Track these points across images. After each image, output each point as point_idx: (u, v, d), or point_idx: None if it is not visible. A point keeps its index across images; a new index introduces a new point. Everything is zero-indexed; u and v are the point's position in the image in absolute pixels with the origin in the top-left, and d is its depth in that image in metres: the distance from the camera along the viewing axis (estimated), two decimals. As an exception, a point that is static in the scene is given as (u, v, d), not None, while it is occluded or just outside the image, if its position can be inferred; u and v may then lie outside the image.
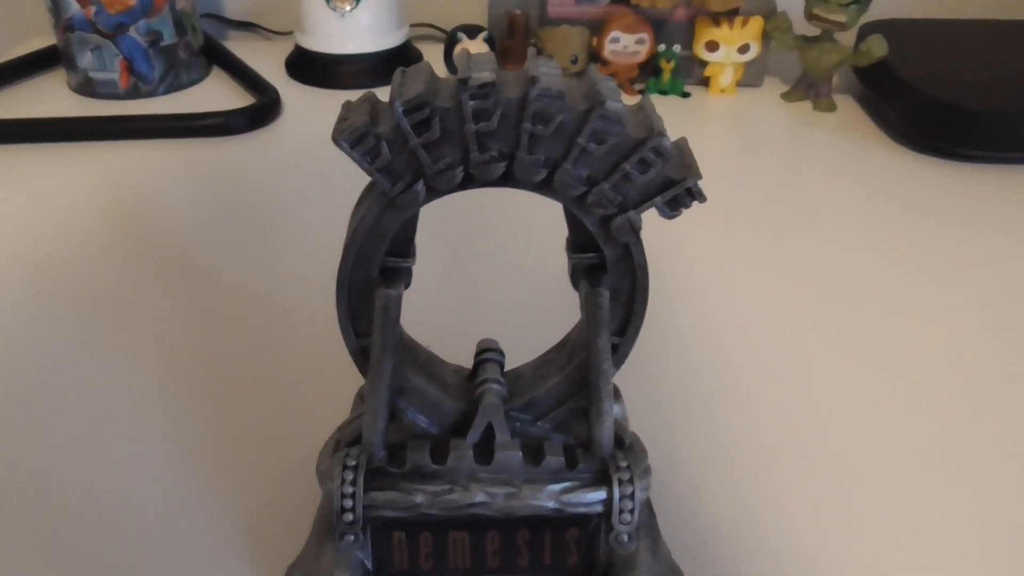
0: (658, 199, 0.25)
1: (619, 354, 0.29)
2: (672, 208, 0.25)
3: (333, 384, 0.38)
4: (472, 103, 0.23)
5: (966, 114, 0.61)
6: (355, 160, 0.24)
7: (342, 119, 0.24)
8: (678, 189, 0.25)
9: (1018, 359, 0.44)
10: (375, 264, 0.27)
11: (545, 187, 0.25)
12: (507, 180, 0.25)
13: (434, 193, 0.25)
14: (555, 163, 0.24)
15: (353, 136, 0.23)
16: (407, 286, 0.28)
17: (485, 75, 0.23)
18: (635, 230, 0.26)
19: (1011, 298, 0.49)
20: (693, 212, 0.56)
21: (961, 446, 0.38)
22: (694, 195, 0.25)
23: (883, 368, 0.43)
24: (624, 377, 0.38)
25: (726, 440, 0.39)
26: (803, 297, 0.49)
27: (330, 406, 0.36)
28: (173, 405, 0.40)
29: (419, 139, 0.24)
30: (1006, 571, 0.33)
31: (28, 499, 0.35)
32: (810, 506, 0.35)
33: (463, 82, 0.23)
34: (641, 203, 0.25)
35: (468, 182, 0.25)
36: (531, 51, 0.20)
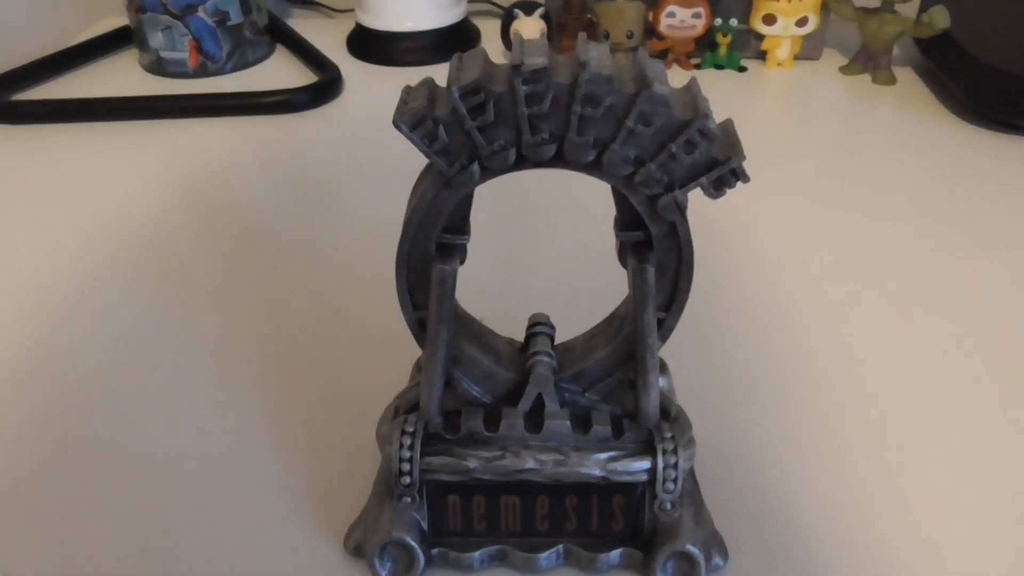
0: (703, 179, 0.26)
1: (665, 328, 0.30)
2: (717, 188, 0.26)
3: (393, 354, 0.40)
4: (524, 88, 0.24)
5: (1032, 86, 0.60)
6: (414, 142, 0.25)
7: (402, 103, 0.26)
8: (723, 169, 0.26)
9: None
10: (432, 241, 0.28)
11: (594, 168, 0.26)
12: (558, 161, 0.26)
13: (488, 173, 0.26)
14: (604, 144, 0.25)
15: (413, 119, 0.25)
16: (462, 262, 0.29)
17: (537, 60, 0.24)
18: (680, 209, 0.27)
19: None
20: (752, 187, 0.57)
21: (1017, 420, 0.39)
22: (738, 175, 0.26)
23: (941, 343, 0.43)
24: (672, 351, 0.39)
25: (772, 414, 0.39)
26: (861, 273, 0.49)
27: (390, 375, 0.38)
28: (243, 373, 0.42)
29: (474, 122, 0.25)
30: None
31: (108, 458, 0.38)
32: (853, 479, 0.36)
33: (516, 68, 0.24)
34: (687, 183, 0.26)
35: (521, 163, 0.26)
36: (581, 35, 0.20)
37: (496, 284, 0.48)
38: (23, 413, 0.40)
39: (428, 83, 0.26)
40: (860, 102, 0.69)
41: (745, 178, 0.26)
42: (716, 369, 0.42)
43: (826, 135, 0.64)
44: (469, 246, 0.29)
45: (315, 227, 0.54)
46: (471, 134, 0.25)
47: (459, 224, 0.28)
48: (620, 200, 0.28)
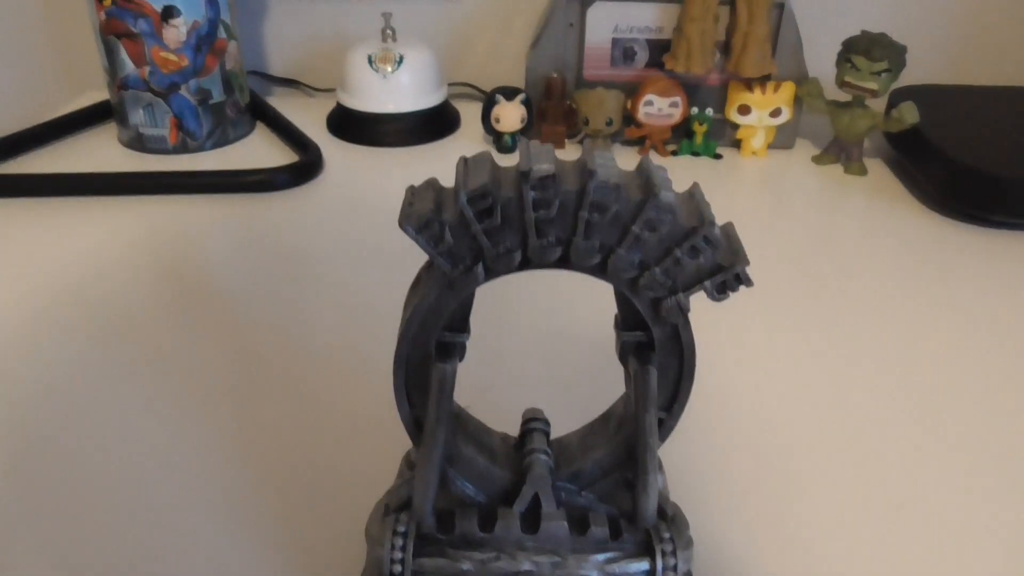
0: (707, 283, 0.26)
1: (665, 428, 0.30)
2: (720, 291, 0.26)
3: (377, 443, 0.39)
4: (532, 194, 0.24)
5: (998, 181, 0.62)
6: (420, 244, 0.25)
7: (407, 204, 0.26)
8: (727, 274, 0.26)
9: (1055, 432, 0.44)
10: (432, 340, 0.28)
11: (599, 271, 0.26)
12: (563, 263, 0.26)
13: (493, 274, 0.26)
14: (609, 248, 0.26)
15: (420, 223, 0.25)
16: (461, 359, 0.29)
17: (545, 167, 0.24)
18: (684, 312, 0.27)
19: (1046, 368, 0.49)
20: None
21: (995, 522, 0.39)
22: (742, 280, 0.26)
23: (918, 436, 0.43)
24: (664, 447, 0.39)
25: (765, 512, 0.39)
26: (835, 363, 0.49)
27: (373, 465, 0.37)
28: (220, 462, 0.41)
29: (481, 225, 0.25)
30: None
31: (75, 548, 0.36)
32: (848, 571, 0.36)
33: (524, 174, 0.24)
34: (690, 286, 0.26)
35: (526, 264, 0.26)
36: (587, 142, 0.21)
37: (488, 375, 0.48)
38: (-10, 505, 0.38)
39: (433, 185, 0.26)
40: (832, 191, 0.71)
41: (749, 283, 0.26)
42: (700, 463, 0.42)
43: (799, 222, 0.66)
44: (467, 343, 0.29)
45: (293, 307, 0.54)
46: (477, 237, 0.25)
47: (460, 323, 0.28)
48: (623, 301, 0.28)
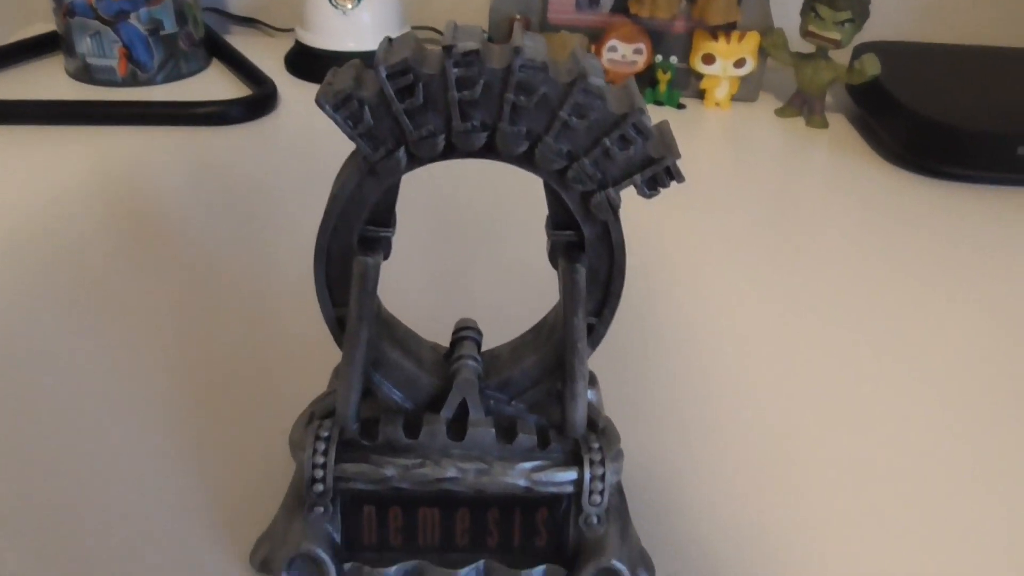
0: (637, 177, 0.25)
1: (595, 335, 0.29)
2: (650, 187, 0.25)
3: (313, 362, 0.38)
4: (456, 71, 0.23)
5: (957, 134, 0.62)
6: (337, 123, 0.24)
7: (327, 83, 0.25)
8: (657, 167, 0.25)
9: (1005, 372, 0.44)
10: (355, 233, 0.27)
11: (526, 160, 0.25)
12: (489, 151, 0.25)
13: (416, 161, 0.25)
14: (537, 136, 0.25)
15: (336, 99, 0.24)
16: (386, 256, 0.28)
17: (470, 44, 0.23)
18: (614, 208, 0.26)
19: (1000, 314, 0.49)
20: (687, 221, 0.57)
21: (949, 454, 0.39)
22: (673, 175, 0.25)
23: (867, 378, 0.43)
24: (603, 367, 0.38)
25: (702, 433, 0.39)
26: (792, 308, 0.49)
27: (308, 383, 0.36)
28: (155, 379, 0.40)
29: (402, 105, 0.24)
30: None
31: (6, 465, 0.35)
32: (783, 499, 0.36)
33: (447, 49, 0.23)
34: (620, 180, 0.25)
35: (450, 151, 0.25)
36: (517, 23, 0.20)
37: (422, 287, 0.47)
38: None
39: (355, 65, 0.25)
40: (794, 144, 0.70)
41: (680, 178, 0.25)
42: (645, 388, 0.42)
43: (760, 174, 0.65)
44: (394, 241, 0.28)
45: (242, 237, 0.52)
46: (398, 118, 0.24)
47: (384, 216, 0.27)
48: (553, 198, 0.27)
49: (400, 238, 0.29)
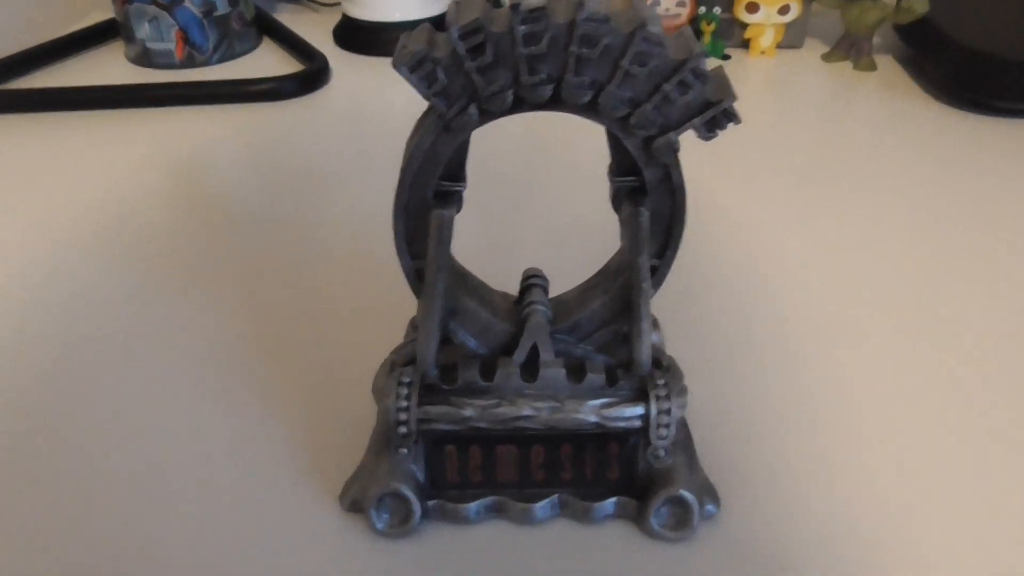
0: (696, 120, 0.26)
1: (658, 276, 0.31)
2: (709, 129, 0.27)
3: (386, 323, 0.40)
4: (523, 28, 0.25)
5: (1010, 66, 0.61)
6: (413, 84, 0.26)
7: (402, 47, 0.26)
8: (716, 110, 0.26)
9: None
10: (430, 187, 0.29)
11: (591, 109, 0.27)
12: (555, 103, 0.26)
13: (487, 116, 0.27)
14: (600, 85, 0.26)
15: (412, 61, 0.25)
16: (459, 210, 0.30)
17: (535, 1, 0.25)
18: (674, 151, 0.27)
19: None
20: (739, 171, 0.57)
21: (989, 397, 0.39)
22: (730, 116, 0.26)
23: (921, 314, 0.44)
24: (667, 312, 0.40)
25: (763, 370, 0.40)
26: (845, 250, 0.49)
27: (384, 341, 0.38)
28: (243, 346, 0.42)
29: (473, 63, 0.25)
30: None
31: (102, 423, 0.38)
32: (841, 437, 0.37)
33: (514, 7, 0.25)
34: (680, 124, 0.27)
35: (519, 105, 0.26)
36: None
37: (491, 239, 0.49)
38: (10, 395, 0.40)
39: (427, 28, 0.27)
40: (842, 89, 0.70)
41: (737, 119, 0.26)
42: (708, 331, 0.43)
43: (809, 121, 0.65)
44: (465, 196, 0.30)
45: (303, 211, 0.54)
46: (470, 75, 0.26)
47: (456, 171, 0.29)
48: (615, 145, 0.28)
49: (468, 194, 0.30)
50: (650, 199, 0.29)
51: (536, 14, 0.24)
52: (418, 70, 0.25)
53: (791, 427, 0.37)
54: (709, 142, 0.27)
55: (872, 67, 0.72)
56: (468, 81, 0.26)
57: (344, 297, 0.46)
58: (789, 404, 0.38)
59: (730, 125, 0.27)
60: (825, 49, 0.75)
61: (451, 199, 0.29)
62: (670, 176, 0.28)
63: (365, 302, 0.45)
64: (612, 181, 0.29)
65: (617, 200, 0.30)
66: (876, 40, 0.73)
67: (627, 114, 0.26)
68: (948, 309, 0.45)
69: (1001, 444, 0.36)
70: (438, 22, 0.78)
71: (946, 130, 0.63)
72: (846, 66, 0.73)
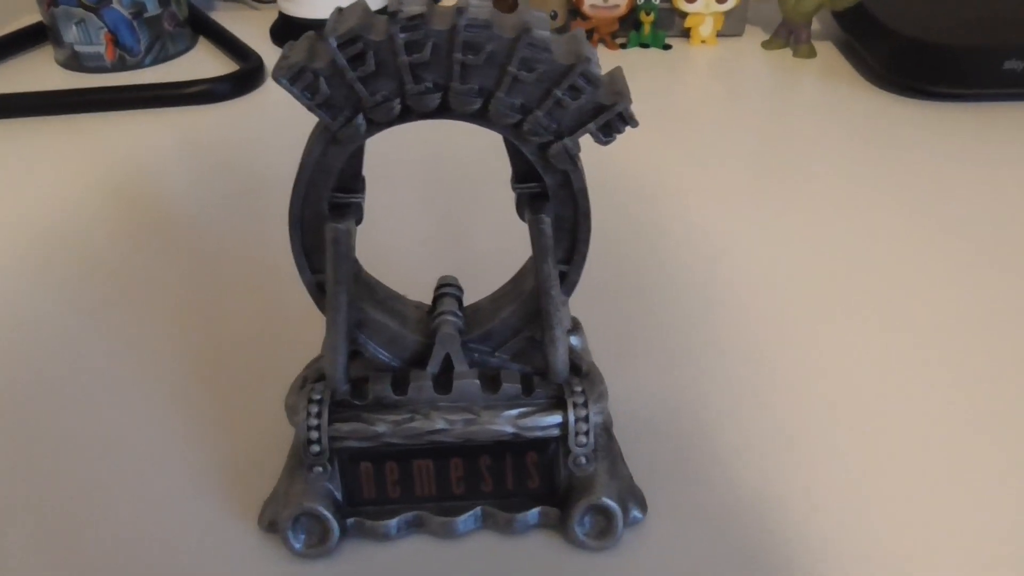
0: (591, 125, 0.26)
1: (568, 281, 0.30)
2: (606, 134, 0.26)
3: (309, 330, 0.39)
4: (403, 35, 0.24)
5: (943, 51, 0.61)
6: (295, 96, 0.25)
7: (282, 57, 0.25)
8: (610, 114, 0.26)
9: (993, 289, 0.45)
10: (324, 200, 0.28)
11: (481, 117, 0.26)
12: (444, 111, 0.26)
13: (375, 126, 0.26)
14: (489, 92, 0.25)
15: (291, 72, 0.24)
16: (358, 221, 0.29)
17: (414, 8, 0.24)
18: (572, 156, 0.27)
19: (989, 230, 0.49)
20: (682, 161, 0.57)
21: (928, 377, 0.39)
22: (626, 120, 0.26)
23: (862, 300, 0.44)
24: (596, 310, 0.39)
25: (695, 372, 0.40)
26: (786, 237, 0.49)
27: (305, 350, 0.37)
28: (161, 358, 0.42)
29: (355, 73, 0.24)
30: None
31: (16, 448, 0.37)
32: (773, 436, 0.36)
33: (393, 15, 0.24)
34: (575, 129, 0.26)
35: (407, 114, 0.26)
36: None
37: (406, 248, 0.48)
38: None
39: (310, 37, 0.26)
40: (782, 76, 0.70)
41: (633, 122, 0.26)
42: (637, 330, 0.42)
43: (750, 108, 0.65)
44: (373, 209, 0.29)
45: (236, 211, 0.53)
46: (353, 85, 0.25)
47: (351, 182, 0.28)
48: (514, 152, 0.28)
49: (380, 202, 0.30)
50: (552, 204, 0.28)
51: (415, 21, 0.24)
52: (298, 81, 0.25)
53: (722, 427, 0.37)
54: (609, 144, 0.26)
55: (812, 54, 0.72)
56: (352, 91, 0.25)
57: (275, 302, 0.45)
58: (721, 404, 0.38)
59: (627, 128, 0.26)
60: (765, 37, 0.75)
61: (348, 210, 0.28)
62: (570, 181, 0.27)
63: (296, 307, 0.44)
64: (514, 188, 0.29)
65: (521, 207, 0.29)
66: (816, 27, 0.73)
67: (519, 121, 0.26)
68: (890, 292, 0.44)
69: (941, 427, 0.36)
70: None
71: (884, 115, 0.63)
72: (786, 53, 0.73)
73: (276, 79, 0.25)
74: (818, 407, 0.38)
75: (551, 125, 0.26)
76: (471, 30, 0.24)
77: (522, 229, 0.28)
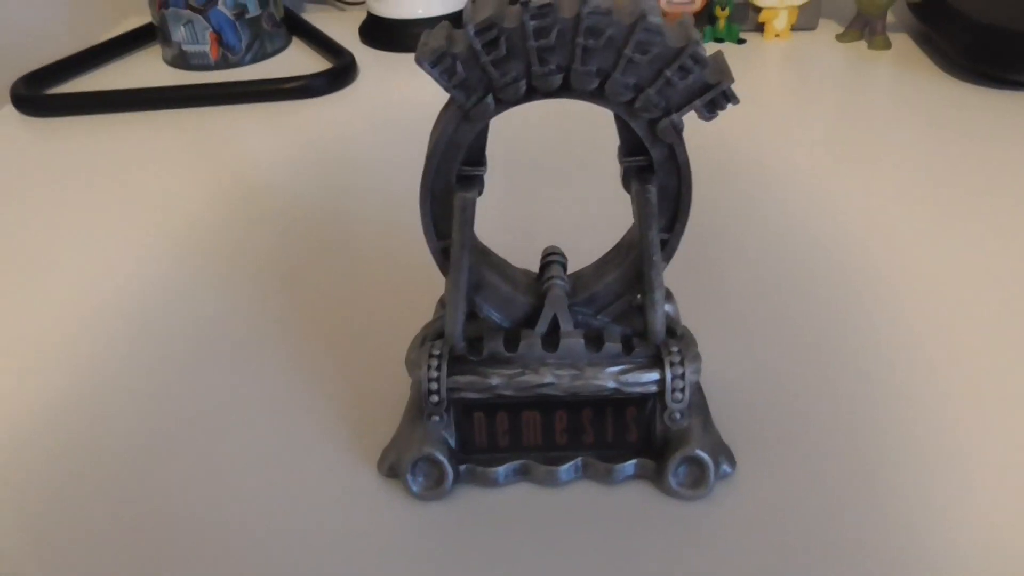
0: (697, 102, 0.29)
1: (668, 248, 0.33)
2: (710, 110, 0.29)
3: (416, 302, 0.43)
4: (533, 23, 0.27)
5: (1019, 39, 0.62)
6: (434, 78, 0.28)
7: (423, 43, 0.29)
8: (715, 92, 0.28)
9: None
10: (453, 173, 0.31)
11: (598, 95, 0.29)
12: (565, 91, 0.29)
13: (502, 105, 0.29)
14: (606, 73, 0.28)
15: (433, 56, 0.28)
16: (480, 192, 0.32)
17: (543, -2, 0.27)
18: (678, 131, 0.29)
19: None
20: (753, 149, 0.59)
21: (998, 366, 0.41)
22: (729, 97, 0.28)
23: (939, 279, 0.46)
24: (687, 282, 0.42)
25: (778, 339, 0.42)
26: (863, 220, 0.51)
27: (413, 317, 0.41)
28: (286, 328, 0.45)
29: (488, 57, 0.28)
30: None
31: (151, 400, 0.41)
32: (857, 400, 0.38)
33: (525, 4, 0.27)
34: (682, 106, 0.29)
35: (531, 93, 0.29)
36: None
37: (511, 220, 0.51)
38: (110, 375, 0.43)
39: (446, 26, 0.29)
40: (857, 68, 0.71)
41: (735, 100, 0.28)
42: (726, 300, 0.45)
43: (826, 101, 0.67)
44: (486, 179, 0.32)
45: (337, 200, 0.57)
46: (486, 68, 0.28)
47: (477, 157, 0.31)
48: (623, 128, 0.31)
49: (490, 177, 0.33)
50: (657, 176, 0.31)
51: (544, 10, 0.27)
52: (438, 65, 0.28)
53: (805, 391, 0.39)
54: (711, 122, 0.29)
55: (886, 45, 0.73)
56: (484, 73, 0.28)
57: (378, 280, 0.49)
58: (803, 369, 0.40)
59: (730, 105, 0.29)
60: (839, 30, 0.76)
61: (473, 183, 0.31)
62: (675, 154, 0.30)
63: (397, 284, 0.48)
64: (621, 162, 0.31)
65: (627, 179, 0.32)
66: (890, 19, 0.74)
67: (632, 99, 0.29)
68: (965, 273, 0.46)
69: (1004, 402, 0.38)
70: (456, 18, 0.81)
71: (960, 104, 0.64)
72: (860, 45, 0.74)
73: (419, 62, 0.28)
74: (910, 376, 0.39)
75: (660, 102, 0.29)
76: (593, 17, 0.27)
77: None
